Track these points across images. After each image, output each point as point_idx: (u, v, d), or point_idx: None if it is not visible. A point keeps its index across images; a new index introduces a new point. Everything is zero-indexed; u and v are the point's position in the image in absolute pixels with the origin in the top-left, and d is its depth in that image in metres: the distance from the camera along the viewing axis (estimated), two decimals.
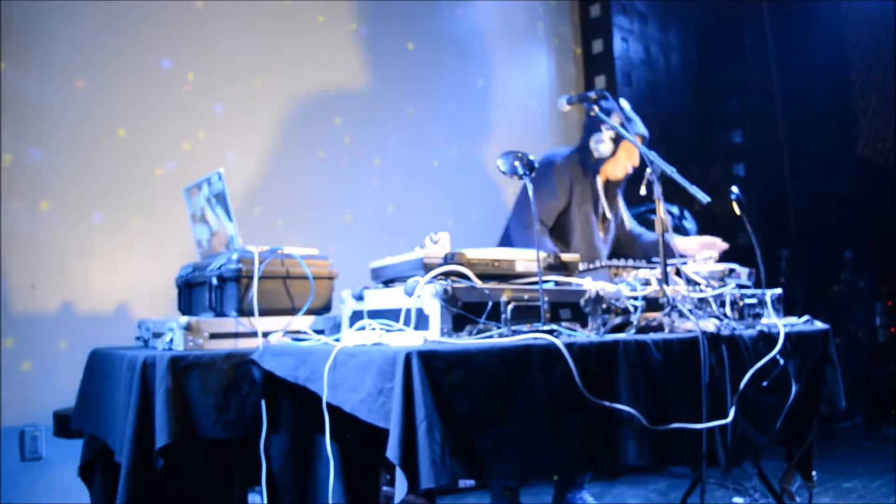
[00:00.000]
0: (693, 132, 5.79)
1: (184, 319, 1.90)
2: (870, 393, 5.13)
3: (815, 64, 5.86)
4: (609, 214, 3.00)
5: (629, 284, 1.92)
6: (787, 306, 2.34)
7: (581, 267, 2.06)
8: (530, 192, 1.85)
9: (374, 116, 4.10)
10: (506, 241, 2.95)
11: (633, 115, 2.75)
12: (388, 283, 1.90)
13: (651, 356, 1.67)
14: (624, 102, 2.69)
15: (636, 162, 2.91)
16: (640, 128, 2.82)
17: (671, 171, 2.09)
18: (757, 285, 2.28)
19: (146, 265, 3.26)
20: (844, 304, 5.43)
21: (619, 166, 2.90)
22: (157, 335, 2.05)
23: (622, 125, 2.58)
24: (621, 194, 3.10)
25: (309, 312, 2.08)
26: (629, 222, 3.16)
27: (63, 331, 3.05)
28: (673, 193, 2.53)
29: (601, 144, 2.82)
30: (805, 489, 2.34)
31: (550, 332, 1.60)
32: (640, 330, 1.80)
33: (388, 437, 1.35)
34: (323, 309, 2.15)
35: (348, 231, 3.90)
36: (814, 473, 2.32)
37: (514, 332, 1.60)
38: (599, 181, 2.94)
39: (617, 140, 2.82)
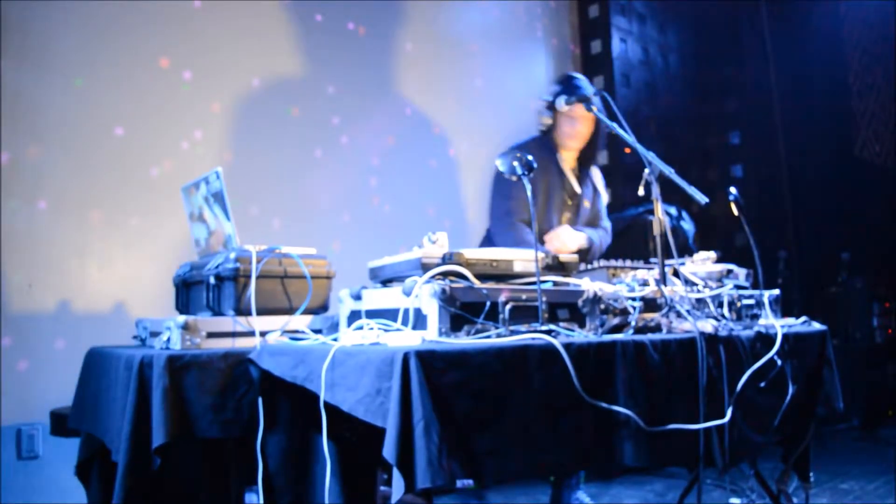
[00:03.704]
0: (691, 133, 5.80)
1: (181, 318, 1.90)
2: (867, 394, 5.13)
3: (813, 65, 5.86)
4: (578, 192, 2.97)
5: (627, 285, 1.92)
6: (784, 307, 2.34)
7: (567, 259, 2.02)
8: (528, 193, 1.84)
9: (372, 116, 4.10)
10: (486, 243, 2.93)
11: (582, 81, 2.83)
12: (386, 282, 1.90)
13: (649, 357, 1.67)
14: (578, 76, 2.79)
15: (582, 125, 2.87)
16: (587, 90, 2.81)
17: (669, 172, 2.09)
18: (754, 286, 2.28)
19: (144, 264, 3.26)
20: (842, 305, 5.43)
21: (565, 133, 2.88)
22: (155, 334, 2.04)
23: (559, 92, 2.76)
24: (600, 181, 3.07)
25: (307, 312, 2.08)
26: (599, 212, 3.09)
27: (60, 329, 3.05)
28: (671, 194, 2.52)
29: (541, 116, 2.90)
30: (802, 490, 2.34)
31: (548, 332, 1.60)
32: (638, 330, 1.80)
33: (385, 437, 1.35)
34: (321, 308, 2.15)
35: (346, 231, 3.89)
36: (811, 474, 2.33)
37: (512, 333, 1.60)
38: (562, 158, 2.93)
39: (551, 107, 2.84)
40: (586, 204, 3.00)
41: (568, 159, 2.96)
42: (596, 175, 3.08)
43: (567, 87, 2.85)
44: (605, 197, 3.13)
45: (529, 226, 2.82)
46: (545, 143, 2.93)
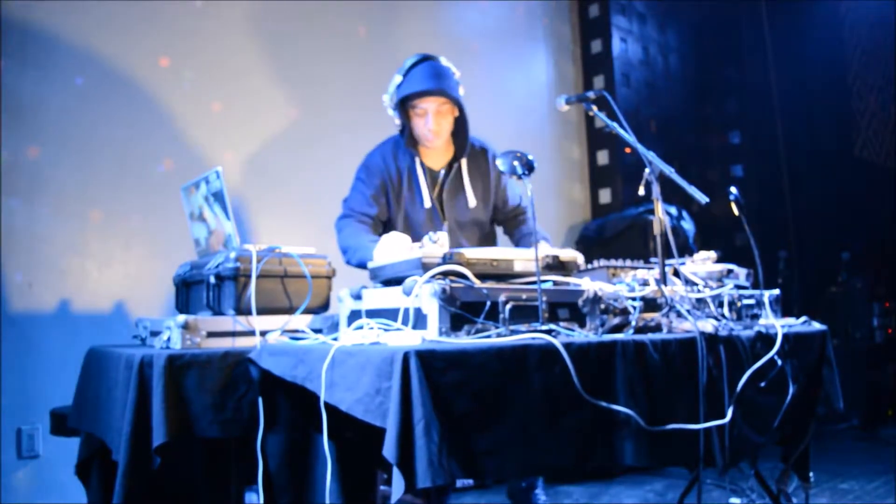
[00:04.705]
0: (691, 133, 5.80)
1: (181, 318, 1.90)
2: (867, 394, 5.13)
3: (813, 65, 5.87)
4: (443, 197, 2.66)
5: (627, 285, 1.92)
6: (784, 307, 2.34)
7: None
8: (529, 192, 1.84)
9: (373, 115, 4.09)
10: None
11: (442, 70, 2.59)
12: (386, 282, 1.90)
13: (649, 356, 1.67)
14: (441, 59, 2.59)
15: (436, 122, 2.58)
16: (420, 83, 2.51)
17: (669, 172, 2.08)
18: (755, 286, 2.28)
19: (144, 263, 3.26)
20: (842, 305, 5.43)
21: (419, 133, 2.60)
22: (155, 333, 2.04)
23: (403, 83, 2.50)
24: (490, 173, 2.74)
25: (307, 311, 2.08)
26: (522, 210, 2.82)
27: (60, 329, 3.05)
28: (671, 194, 2.51)
29: (395, 118, 2.62)
30: (802, 490, 2.34)
31: (548, 331, 1.60)
32: (639, 330, 1.80)
33: (385, 437, 1.35)
34: (321, 308, 2.15)
35: None
36: (811, 474, 2.33)
37: (513, 332, 1.60)
38: (425, 159, 2.66)
39: (399, 105, 2.58)
40: (472, 203, 2.68)
41: (434, 157, 2.69)
42: (496, 172, 2.73)
43: (413, 74, 2.54)
44: (518, 191, 2.79)
45: (366, 220, 2.63)
46: (399, 145, 2.65)
